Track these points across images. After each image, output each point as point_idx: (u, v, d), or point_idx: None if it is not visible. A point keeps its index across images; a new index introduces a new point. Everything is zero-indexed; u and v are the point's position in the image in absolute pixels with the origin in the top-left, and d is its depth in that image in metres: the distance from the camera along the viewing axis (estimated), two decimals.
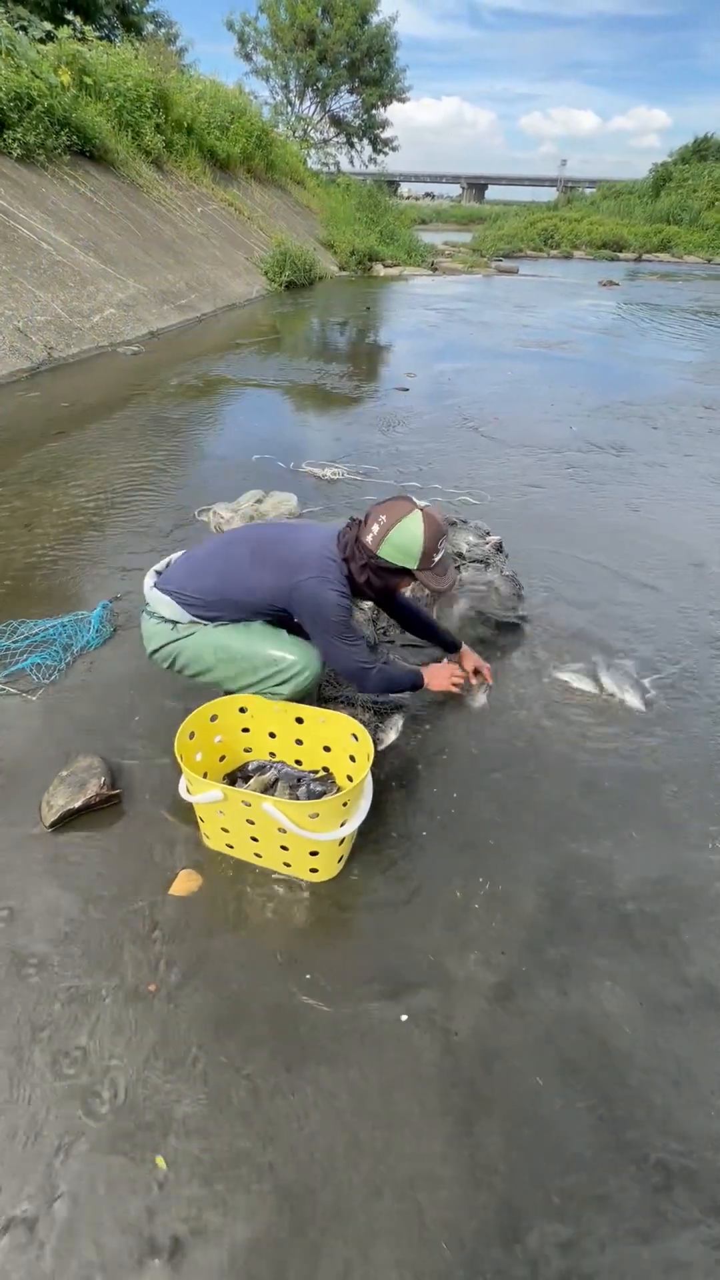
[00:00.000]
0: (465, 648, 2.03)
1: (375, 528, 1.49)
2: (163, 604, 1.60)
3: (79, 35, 8.50)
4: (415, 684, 1.77)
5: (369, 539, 1.50)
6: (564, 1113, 1.08)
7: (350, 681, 1.65)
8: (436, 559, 1.52)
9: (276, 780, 1.55)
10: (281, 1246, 0.93)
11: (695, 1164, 1.03)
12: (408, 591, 1.70)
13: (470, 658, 2.02)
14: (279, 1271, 0.91)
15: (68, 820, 1.52)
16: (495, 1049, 1.16)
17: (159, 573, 1.69)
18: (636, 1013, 1.23)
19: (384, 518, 1.50)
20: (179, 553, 1.74)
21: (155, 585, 1.64)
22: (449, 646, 2.01)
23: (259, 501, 3.09)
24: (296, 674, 1.56)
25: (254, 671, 1.57)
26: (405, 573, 1.54)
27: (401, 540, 1.49)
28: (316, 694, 1.88)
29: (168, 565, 1.71)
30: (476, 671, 2.02)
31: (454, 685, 1.85)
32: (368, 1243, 0.93)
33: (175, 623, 1.60)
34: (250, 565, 1.56)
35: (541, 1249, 0.94)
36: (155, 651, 1.65)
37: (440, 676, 1.83)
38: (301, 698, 1.61)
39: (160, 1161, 1.00)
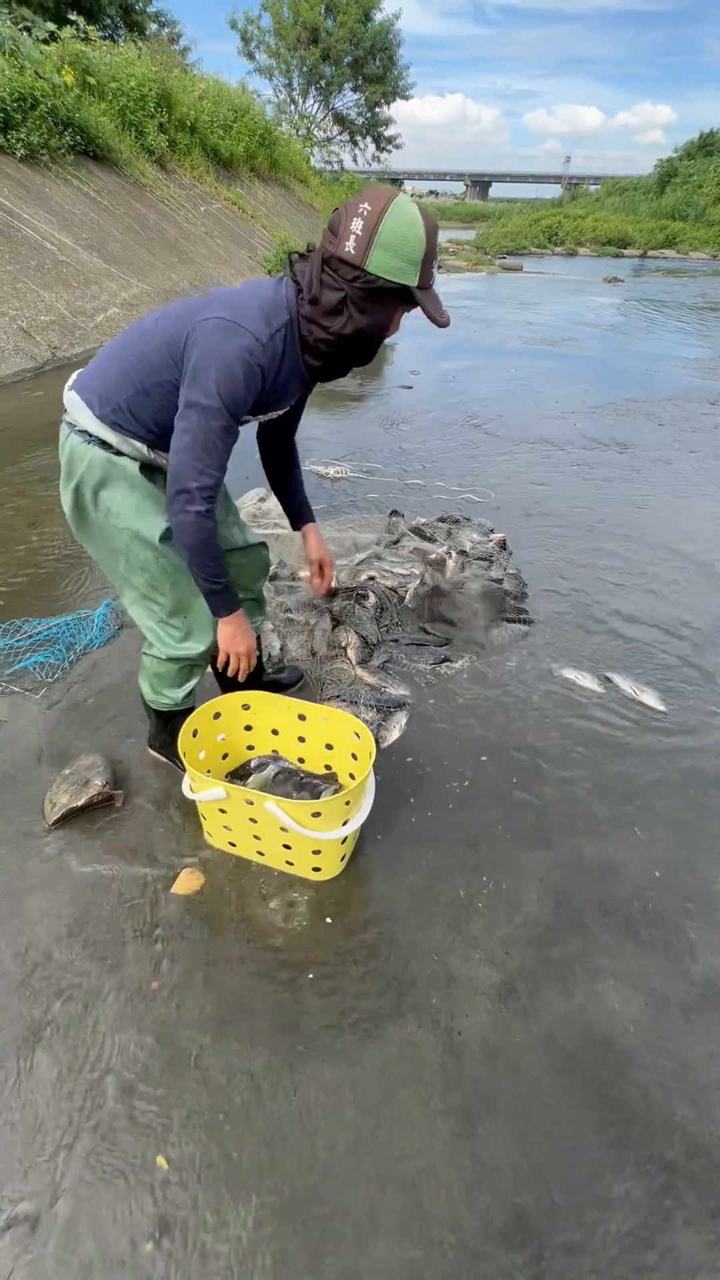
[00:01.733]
0: (312, 527, 1.62)
1: (356, 228, 1.04)
2: (75, 406, 1.22)
3: (82, 35, 8.51)
4: (215, 608, 1.33)
5: (349, 248, 1.05)
6: (567, 1112, 1.08)
7: (167, 490, 1.18)
8: (434, 271, 1.12)
9: (278, 776, 1.55)
10: (284, 1244, 0.92)
11: (699, 1163, 1.02)
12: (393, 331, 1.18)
13: (315, 543, 1.62)
14: (281, 1270, 0.90)
15: (70, 819, 1.52)
16: (498, 1047, 1.15)
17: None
18: (640, 1012, 1.22)
19: (366, 209, 1.04)
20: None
21: (71, 385, 1.25)
22: (296, 515, 1.62)
23: (262, 500, 3.09)
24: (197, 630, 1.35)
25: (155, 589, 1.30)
26: (401, 297, 1.11)
27: (395, 237, 1.04)
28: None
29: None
30: (321, 567, 1.65)
31: (234, 666, 1.41)
32: (370, 1241, 0.93)
33: (109, 448, 1.21)
34: (154, 321, 1.20)
35: (544, 1248, 0.93)
36: (73, 480, 1.25)
37: (234, 638, 1.37)
38: (185, 664, 1.41)
39: (161, 1161, 1.00)
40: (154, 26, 16.99)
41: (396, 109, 26.32)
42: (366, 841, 1.51)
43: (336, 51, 22.57)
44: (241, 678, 1.45)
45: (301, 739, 1.57)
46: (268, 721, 1.58)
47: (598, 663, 2.17)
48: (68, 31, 8.25)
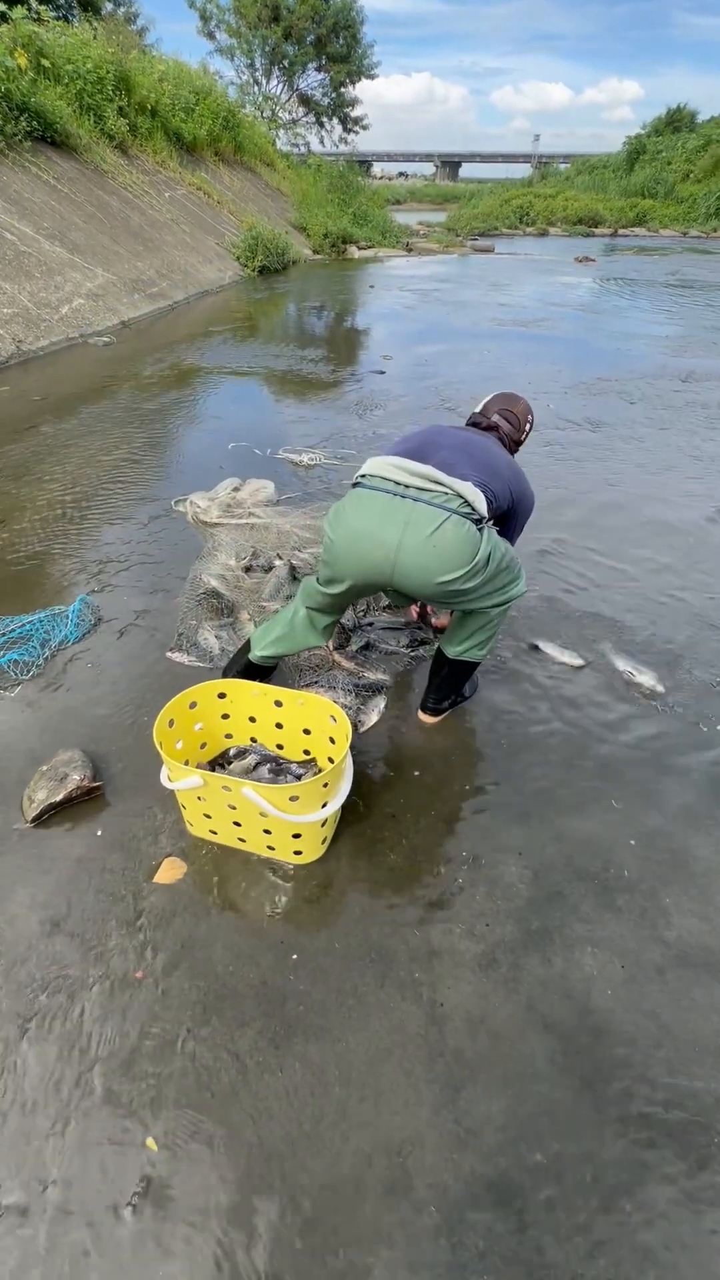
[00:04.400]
0: None
1: (530, 418, 1.85)
2: (476, 496, 1.44)
3: (34, 16, 8.25)
4: None
5: (527, 424, 1.84)
6: (548, 1075, 1.11)
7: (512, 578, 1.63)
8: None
9: (258, 764, 1.55)
10: (272, 1216, 0.94)
11: (676, 1118, 1.06)
12: None
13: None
14: (271, 1242, 0.92)
15: (50, 814, 1.52)
16: (480, 1017, 1.18)
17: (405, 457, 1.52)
18: (618, 976, 1.25)
19: (520, 405, 1.82)
20: (398, 444, 1.64)
21: (460, 477, 1.48)
22: None
23: (236, 489, 3.07)
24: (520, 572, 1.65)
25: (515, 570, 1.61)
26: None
27: (524, 416, 1.84)
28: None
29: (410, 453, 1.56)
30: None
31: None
32: (357, 1209, 0.95)
33: (481, 521, 1.45)
34: (503, 467, 1.62)
35: (528, 1207, 0.96)
36: (475, 563, 1.44)
37: None
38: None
39: (151, 1143, 1.01)
40: (109, 6, 16.51)
41: (362, 89, 26.00)
42: (347, 823, 1.53)
43: (298, 30, 22.12)
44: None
45: (279, 725, 1.58)
46: (244, 709, 1.58)
47: (574, 640, 2.19)
48: (19, 12, 7.98)
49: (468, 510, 1.41)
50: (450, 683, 1.79)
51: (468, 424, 1.83)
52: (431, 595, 1.49)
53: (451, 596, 1.49)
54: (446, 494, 1.41)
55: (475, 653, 1.69)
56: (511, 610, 1.80)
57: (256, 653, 1.75)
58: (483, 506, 1.43)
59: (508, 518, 1.70)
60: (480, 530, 1.43)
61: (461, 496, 1.41)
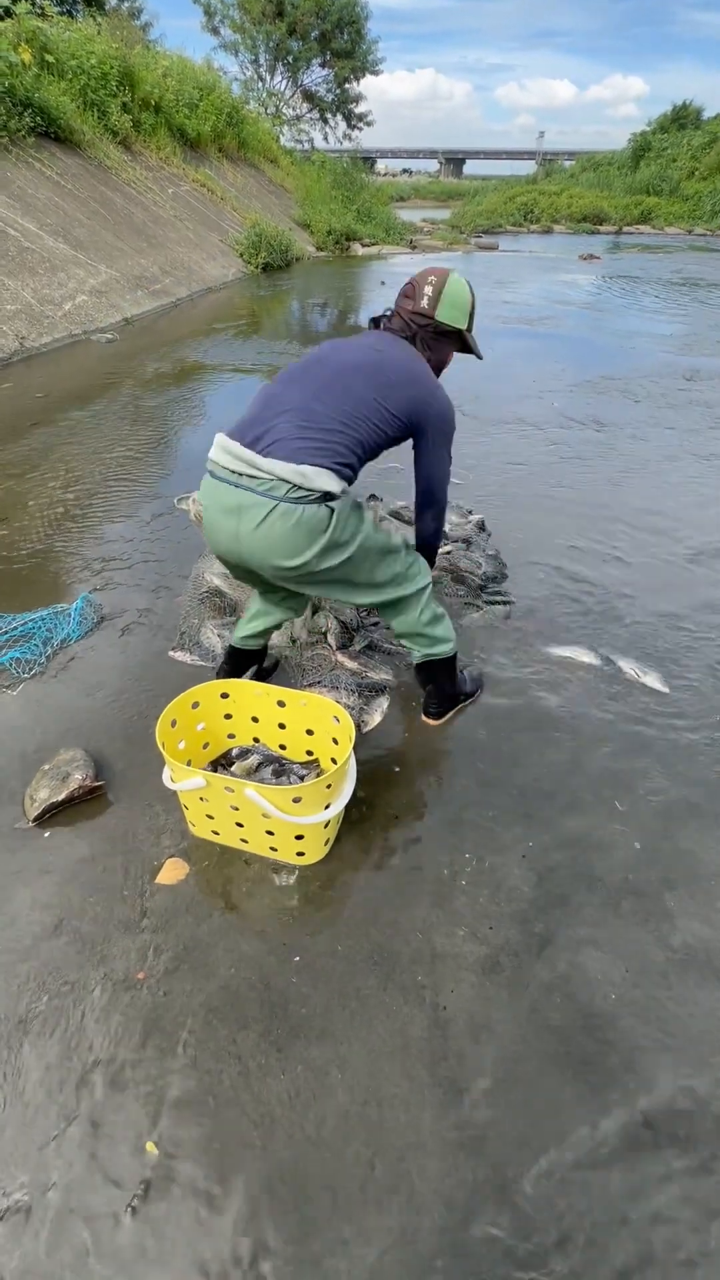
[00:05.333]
0: None
1: (428, 291, 1.52)
2: (310, 475, 1.30)
3: (38, 11, 8.24)
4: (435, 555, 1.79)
5: (424, 304, 1.51)
6: (551, 1079, 1.10)
7: (432, 496, 1.64)
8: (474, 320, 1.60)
9: (261, 764, 1.55)
10: (274, 1219, 0.94)
11: (680, 1123, 1.05)
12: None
13: None
14: (272, 1243, 0.92)
15: (52, 814, 1.51)
16: (483, 1020, 1.17)
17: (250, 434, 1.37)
18: (622, 980, 1.24)
19: (433, 280, 1.52)
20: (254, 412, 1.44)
21: (285, 457, 1.31)
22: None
23: None
24: (422, 570, 1.59)
25: (395, 564, 1.52)
26: (457, 336, 1.56)
27: (454, 297, 1.52)
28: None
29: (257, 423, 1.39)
30: None
31: None
32: (360, 1213, 0.95)
33: (333, 501, 1.33)
34: (375, 386, 1.42)
35: (530, 1211, 0.95)
36: (316, 549, 1.34)
37: None
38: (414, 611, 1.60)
39: (151, 1147, 1.01)
40: (113, 1, 16.47)
41: (366, 85, 25.87)
42: (350, 824, 1.52)
43: (303, 25, 22.05)
44: None
45: (282, 725, 1.57)
46: (247, 709, 1.57)
47: (577, 640, 2.18)
48: (23, 7, 7.96)
49: (301, 494, 1.30)
50: (431, 685, 1.78)
51: (371, 322, 1.63)
52: (287, 580, 1.43)
53: (308, 582, 1.43)
54: (271, 480, 1.31)
55: (424, 650, 1.67)
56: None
57: (236, 636, 1.78)
58: (322, 482, 1.30)
59: (417, 435, 1.52)
60: (331, 509, 1.33)
61: (288, 482, 1.30)
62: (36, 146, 7.41)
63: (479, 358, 1.65)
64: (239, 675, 1.77)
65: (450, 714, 1.84)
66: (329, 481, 1.32)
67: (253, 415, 1.41)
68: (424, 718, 1.83)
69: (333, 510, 1.34)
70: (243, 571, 1.55)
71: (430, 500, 1.64)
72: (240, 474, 1.34)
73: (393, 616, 1.61)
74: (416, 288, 1.53)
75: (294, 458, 1.31)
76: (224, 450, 1.37)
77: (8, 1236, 0.92)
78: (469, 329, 1.58)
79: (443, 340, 1.57)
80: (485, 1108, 1.06)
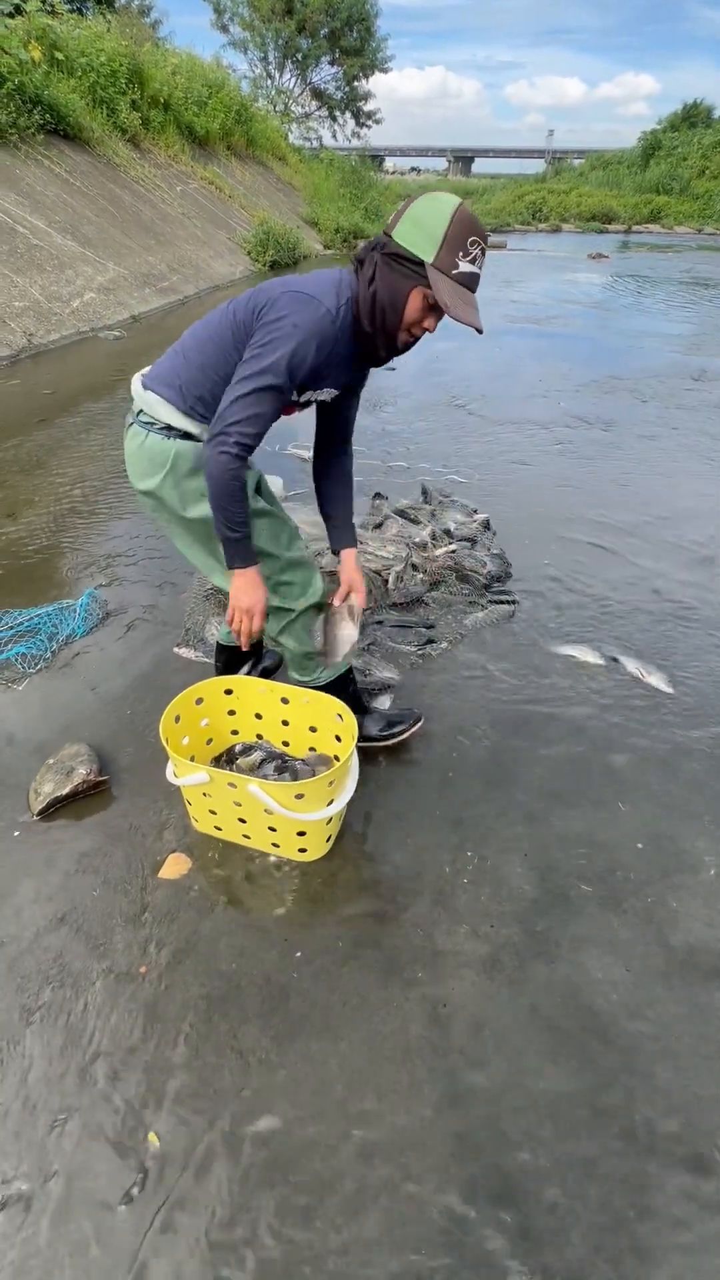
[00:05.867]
0: (350, 553, 1.54)
1: (400, 208, 1.18)
2: (143, 400, 1.28)
3: (49, 9, 8.24)
4: (232, 551, 1.28)
5: (389, 223, 1.19)
6: (551, 1078, 1.10)
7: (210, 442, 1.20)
8: (461, 262, 1.13)
9: (264, 761, 1.55)
10: (274, 1215, 0.94)
11: (679, 1123, 1.05)
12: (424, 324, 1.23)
13: (351, 570, 1.51)
14: (271, 1239, 0.92)
15: (56, 807, 1.52)
16: (483, 1018, 1.17)
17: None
18: (623, 980, 1.24)
19: (412, 196, 1.19)
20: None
21: (144, 383, 1.30)
22: (337, 539, 1.54)
23: None
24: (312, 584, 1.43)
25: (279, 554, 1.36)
26: (417, 273, 1.15)
27: (420, 215, 1.13)
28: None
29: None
30: (347, 595, 1.50)
31: (238, 622, 1.33)
32: (358, 1208, 0.95)
33: (181, 439, 1.27)
34: (222, 313, 1.26)
35: (529, 1209, 0.96)
36: (154, 488, 1.30)
37: (245, 591, 1.30)
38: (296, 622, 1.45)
39: (153, 1137, 1.01)
40: None
41: (375, 83, 25.83)
42: (352, 822, 1.53)
43: (312, 23, 22.02)
44: (244, 644, 1.38)
45: (285, 722, 1.57)
46: (251, 706, 1.58)
47: (582, 639, 2.18)
48: (33, 4, 7.98)
49: (147, 419, 1.29)
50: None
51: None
52: (152, 512, 1.39)
53: (165, 519, 1.37)
54: (132, 400, 1.33)
55: (299, 676, 1.55)
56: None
57: (222, 632, 1.76)
58: (159, 410, 1.26)
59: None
60: (174, 445, 1.26)
61: (138, 406, 1.30)
62: (46, 144, 7.43)
63: (463, 321, 1.17)
64: (232, 672, 1.72)
65: (379, 743, 1.69)
66: (170, 414, 1.26)
67: None
68: None
69: (176, 448, 1.27)
70: None
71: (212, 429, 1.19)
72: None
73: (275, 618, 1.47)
74: (399, 208, 1.20)
75: (148, 384, 1.29)
76: None
77: (9, 1225, 0.93)
78: (439, 263, 1.13)
79: (396, 270, 1.16)
80: (484, 1105, 1.06)
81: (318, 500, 1.57)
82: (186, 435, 1.27)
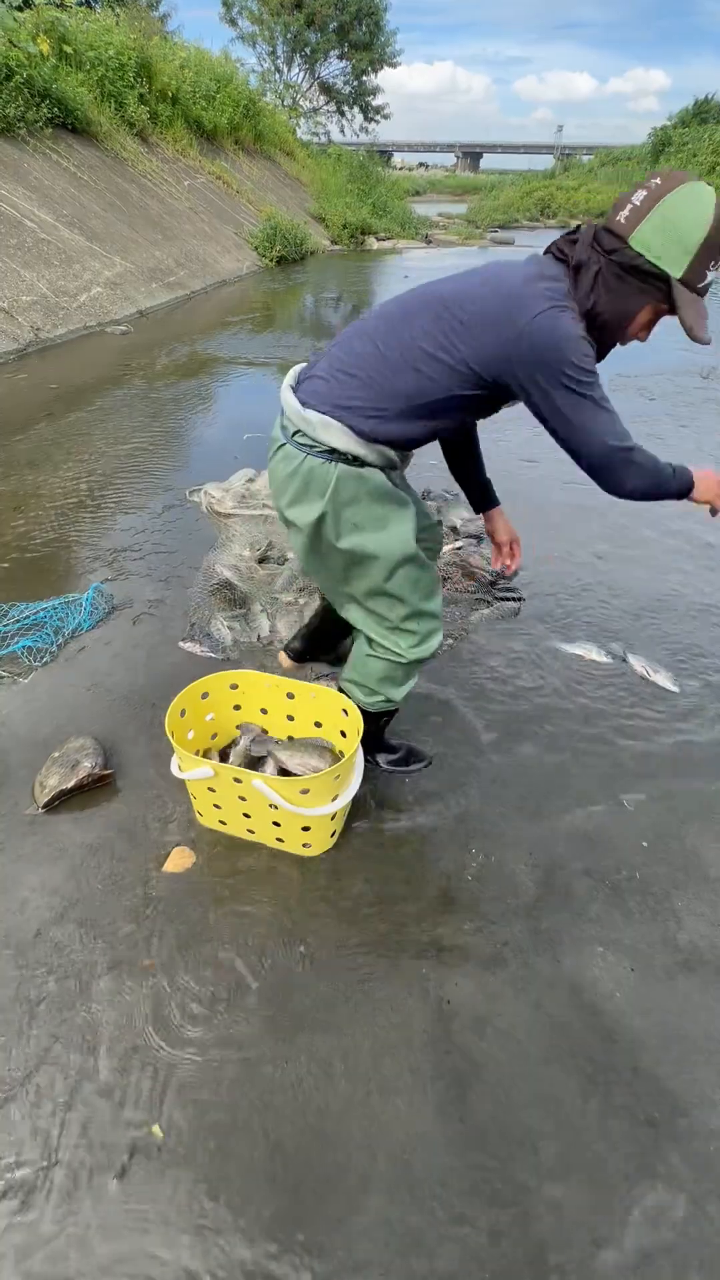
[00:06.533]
0: (498, 510, 1.55)
1: (636, 200, 0.98)
2: (307, 421, 1.15)
3: (57, 2, 8.22)
4: (681, 489, 1.18)
5: (621, 218, 0.99)
6: (554, 1075, 1.10)
7: (599, 475, 1.14)
8: (710, 271, 1.00)
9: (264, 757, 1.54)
10: (276, 1207, 0.94)
11: (682, 1123, 1.05)
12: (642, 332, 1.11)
13: (503, 524, 1.55)
14: (273, 1231, 0.92)
15: (61, 800, 1.53)
16: (487, 1015, 1.17)
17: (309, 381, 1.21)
18: (627, 978, 1.24)
19: (656, 182, 0.97)
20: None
21: (304, 397, 1.18)
22: (482, 498, 1.53)
23: (250, 481, 3.06)
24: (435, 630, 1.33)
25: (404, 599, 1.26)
26: (656, 289, 1.01)
27: (679, 216, 0.95)
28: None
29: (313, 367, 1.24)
30: (511, 546, 1.58)
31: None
32: (361, 1202, 0.95)
33: (357, 461, 1.15)
34: (440, 327, 1.10)
35: (531, 1206, 0.95)
36: (307, 516, 1.19)
37: (711, 485, 1.21)
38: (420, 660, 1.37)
39: (156, 1130, 1.02)
40: None
41: (384, 77, 25.81)
42: (356, 817, 1.52)
43: (321, 17, 21.91)
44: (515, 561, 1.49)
45: (290, 717, 1.57)
46: (256, 701, 1.58)
47: (588, 637, 2.17)
48: None
49: (306, 441, 1.17)
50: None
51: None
52: (292, 532, 1.31)
53: (304, 545, 1.27)
54: (286, 419, 1.21)
55: (353, 689, 1.43)
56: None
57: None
58: (325, 434, 1.14)
59: (520, 392, 1.11)
60: (335, 471, 1.16)
61: (294, 425, 1.19)
62: (54, 138, 7.42)
63: (695, 339, 1.04)
64: (319, 643, 1.71)
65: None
66: (336, 436, 1.13)
67: (329, 344, 1.27)
68: None
69: (337, 474, 1.15)
70: None
71: (595, 468, 1.15)
72: (282, 410, 1.26)
73: (363, 646, 1.40)
74: (629, 195, 1.01)
75: (308, 400, 1.17)
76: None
77: (13, 1212, 0.93)
78: (688, 276, 0.99)
79: (630, 284, 1.01)
80: (488, 1101, 1.06)
81: (456, 470, 1.53)
82: (353, 460, 1.16)
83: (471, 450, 1.49)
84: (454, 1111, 1.05)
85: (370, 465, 1.18)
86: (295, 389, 1.22)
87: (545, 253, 1.13)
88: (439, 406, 1.15)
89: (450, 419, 1.20)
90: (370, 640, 1.37)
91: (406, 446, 1.21)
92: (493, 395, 1.15)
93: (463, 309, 1.09)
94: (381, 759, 1.64)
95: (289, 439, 1.21)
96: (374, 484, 1.19)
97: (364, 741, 1.45)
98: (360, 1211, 0.94)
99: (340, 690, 1.49)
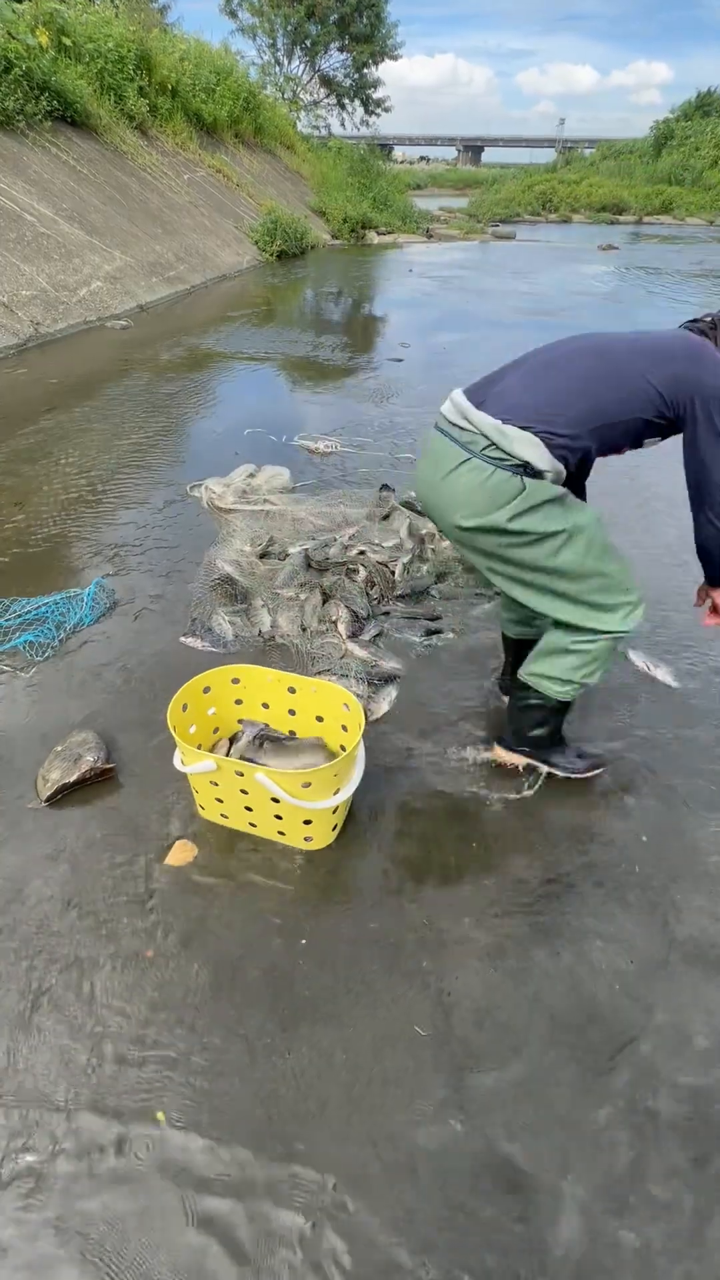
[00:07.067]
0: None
1: None
2: (506, 438, 1.20)
3: None
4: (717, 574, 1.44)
5: None
6: (554, 1067, 1.11)
7: (703, 491, 1.31)
8: None
9: (254, 738, 1.54)
10: (278, 1195, 0.95)
11: (683, 1114, 1.06)
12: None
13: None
14: (276, 1220, 0.93)
15: (64, 794, 1.53)
16: (487, 1007, 1.18)
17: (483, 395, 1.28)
18: (626, 971, 1.25)
19: None
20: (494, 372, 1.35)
21: (495, 413, 1.23)
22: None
23: (251, 475, 3.06)
24: (636, 603, 1.37)
25: (611, 591, 1.32)
26: None
27: None
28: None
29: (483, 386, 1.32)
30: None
31: None
32: (362, 1192, 0.96)
33: (539, 474, 1.21)
34: (639, 354, 1.25)
35: (531, 1196, 0.96)
36: (497, 515, 1.23)
37: None
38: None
39: (160, 1116, 1.03)
40: None
41: (385, 70, 25.55)
42: (358, 811, 1.53)
43: (322, 8, 21.75)
44: None
45: (292, 712, 1.58)
46: (258, 695, 1.58)
47: None
48: None
49: (499, 455, 1.22)
50: (517, 708, 1.54)
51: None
52: (460, 542, 1.35)
53: (483, 555, 1.32)
54: (474, 434, 1.25)
55: (545, 683, 1.43)
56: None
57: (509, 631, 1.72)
58: (523, 449, 1.20)
59: (686, 420, 1.25)
60: (524, 480, 1.21)
61: (487, 438, 1.23)
62: (53, 131, 7.38)
63: None
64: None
65: (523, 760, 1.62)
66: (531, 450, 1.19)
67: (497, 370, 1.34)
68: (495, 746, 1.66)
69: (524, 486, 1.21)
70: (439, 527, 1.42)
71: (702, 498, 1.32)
72: (452, 423, 1.30)
73: (563, 639, 1.41)
74: None
75: (503, 414, 1.22)
76: (450, 400, 1.34)
77: (18, 1201, 0.94)
78: None
79: None
80: (487, 1093, 1.07)
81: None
82: (537, 473, 1.23)
83: (582, 482, 1.57)
84: (454, 1101, 1.06)
85: (547, 479, 1.25)
86: (479, 402, 1.27)
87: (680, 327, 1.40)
88: (621, 432, 1.26)
89: (623, 445, 1.31)
90: (574, 627, 1.38)
91: (576, 466, 1.29)
92: (666, 427, 1.29)
93: (651, 344, 1.28)
94: (560, 763, 1.60)
95: (477, 453, 1.25)
96: (557, 492, 1.26)
97: (542, 740, 1.56)
98: (360, 1200, 0.95)
99: (524, 686, 1.49)
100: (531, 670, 1.47)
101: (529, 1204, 0.96)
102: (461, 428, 1.28)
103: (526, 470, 1.22)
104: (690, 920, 1.34)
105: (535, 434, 1.21)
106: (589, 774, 1.62)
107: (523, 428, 1.21)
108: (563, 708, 1.51)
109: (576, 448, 1.24)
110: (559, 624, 1.40)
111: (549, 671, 1.45)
